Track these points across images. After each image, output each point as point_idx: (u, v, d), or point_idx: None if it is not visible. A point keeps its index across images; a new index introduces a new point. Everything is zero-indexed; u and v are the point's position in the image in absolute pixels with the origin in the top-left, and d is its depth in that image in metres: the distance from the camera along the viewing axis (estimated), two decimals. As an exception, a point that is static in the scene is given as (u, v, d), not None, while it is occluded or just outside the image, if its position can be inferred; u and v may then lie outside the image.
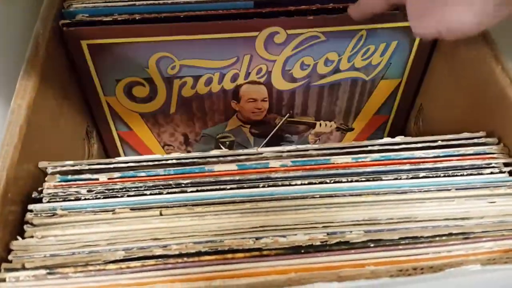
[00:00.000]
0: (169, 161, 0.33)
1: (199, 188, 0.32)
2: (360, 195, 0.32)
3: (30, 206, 0.31)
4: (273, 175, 0.33)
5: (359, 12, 0.38)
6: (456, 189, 0.33)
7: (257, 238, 0.29)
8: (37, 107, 0.35)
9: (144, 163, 0.33)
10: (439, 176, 0.33)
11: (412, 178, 0.33)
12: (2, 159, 0.31)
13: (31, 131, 0.34)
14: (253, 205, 0.31)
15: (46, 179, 0.32)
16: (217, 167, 0.33)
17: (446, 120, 0.45)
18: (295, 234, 0.29)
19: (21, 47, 0.38)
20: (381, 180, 0.33)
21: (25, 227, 0.30)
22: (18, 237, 0.29)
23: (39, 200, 0.31)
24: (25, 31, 0.41)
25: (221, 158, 0.34)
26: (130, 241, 0.29)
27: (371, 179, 0.33)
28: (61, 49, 0.41)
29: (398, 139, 0.34)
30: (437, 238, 0.29)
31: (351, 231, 0.29)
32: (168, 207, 0.31)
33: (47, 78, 0.37)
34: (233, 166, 0.34)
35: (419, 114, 0.50)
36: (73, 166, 0.32)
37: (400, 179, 0.33)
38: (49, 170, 0.32)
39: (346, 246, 0.28)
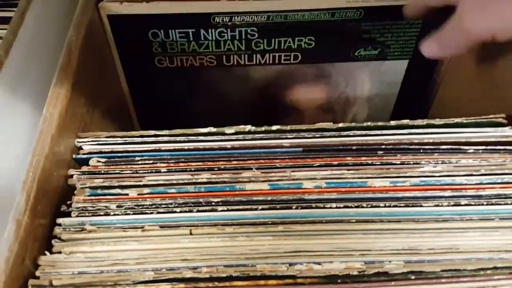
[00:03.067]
0: (200, 180, 0.32)
1: (230, 208, 0.31)
2: (399, 221, 0.30)
3: (59, 220, 0.30)
4: (306, 196, 0.32)
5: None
6: (500, 218, 0.31)
7: (290, 264, 0.28)
8: (69, 116, 0.35)
9: (174, 181, 0.32)
10: (482, 204, 0.32)
11: (453, 205, 0.31)
12: (33, 170, 0.30)
13: (62, 141, 0.33)
14: (286, 228, 0.30)
15: (75, 192, 0.32)
16: (249, 186, 0.32)
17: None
18: (331, 262, 0.28)
19: (54, 54, 0.38)
20: (421, 206, 0.31)
21: (53, 241, 0.29)
22: (46, 252, 0.28)
23: (68, 214, 0.31)
24: (58, 37, 0.41)
25: (252, 178, 0.32)
26: (159, 261, 0.28)
27: (410, 205, 0.31)
28: (93, 55, 0.41)
29: (439, 167, 0.32)
30: (481, 272, 0.28)
31: (390, 261, 0.28)
32: (198, 226, 0.30)
33: (79, 85, 0.37)
34: (265, 186, 0.32)
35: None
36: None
37: (441, 205, 0.31)
38: (78, 185, 0.32)
39: (386, 277, 0.27)
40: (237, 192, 0.32)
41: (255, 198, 0.32)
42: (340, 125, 0.34)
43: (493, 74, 0.44)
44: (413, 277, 0.27)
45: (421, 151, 0.34)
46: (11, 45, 0.39)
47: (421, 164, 0.33)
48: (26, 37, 0.40)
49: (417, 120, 0.35)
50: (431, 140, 0.34)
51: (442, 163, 0.33)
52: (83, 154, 0.34)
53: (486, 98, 0.44)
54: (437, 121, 0.35)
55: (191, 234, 0.30)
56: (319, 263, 0.28)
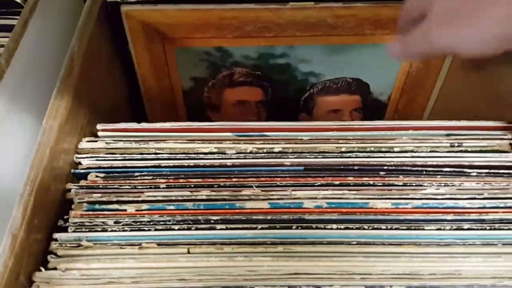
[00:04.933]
0: (199, 197, 0.32)
1: (229, 226, 0.31)
2: (400, 244, 0.30)
3: (55, 235, 0.30)
4: (307, 216, 0.31)
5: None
6: (503, 244, 0.30)
7: (289, 287, 0.27)
8: (68, 128, 0.34)
9: (173, 197, 0.32)
10: (485, 229, 0.31)
11: (456, 229, 0.31)
12: (30, 183, 0.30)
13: (61, 154, 0.33)
14: (285, 249, 0.30)
15: (73, 207, 0.31)
16: (249, 204, 0.32)
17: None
18: (331, 285, 0.27)
19: (56, 65, 0.38)
20: (423, 229, 0.31)
21: (48, 257, 0.29)
22: (42, 268, 0.28)
23: (65, 229, 0.30)
24: (60, 48, 0.41)
25: (252, 196, 0.32)
26: (156, 280, 0.28)
27: (413, 228, 0.31)
28: (94, 66, 0.41)
29: (442, 190, 0.32)
30: (484, 300, 0.27)
31: (391, 286, 0.27)
32: (196, 244, 0.30)
33: (80, 97, 0.37)
34: (265, 204, 0.32)
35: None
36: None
37: (443, 229, 0.31)
38: (76, 200, 0.31)
39: (386, 303, 0.27)
40: (237, 210, 0.32)
41: (254, 217, 0.31)
42: (343, 149, 0.34)
43: (492, 82, 0.44)
44: (414, 304, 0.27)
45: (424, 173, 0.34)
46: (13, 54, 0.39)
47: (424, 186, 0.33)
48: (28, 46, 0.40)
49: (422, 147, 0.35)
50: (434, 162, 0.34)
51: (445, 185, 0.33)
52: (82, 168, 0.33)
53: (484, 105, 0.44)
54: (441, 149, 0.34)
55: (189, 252, 0.29)
56: (318, 287, 0.27)
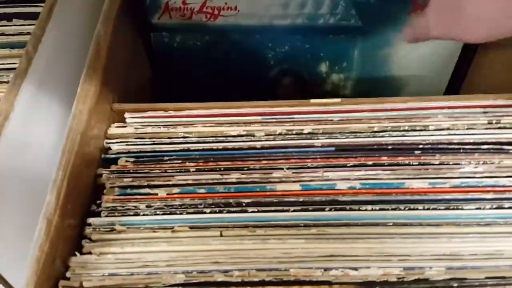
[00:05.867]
0: (229, 180, 0.31)
1: (261, 209, 0.30)
2: (439, 225, 0.29)
3: (89, 220, 0.30)
4: (340, 198, 0.31)
5: None
6: (546, 223, 0.29)
7: (325, 269, 0.27)
8: (97, 113, 0.34)
9: (204, 181, 0.31)
10: (527, 208, 0.30)
11: (496, 208, 0.30)
12: (63, 168, 0.30)
13: (91, 139, 0.33)
14: (319, 231, 0.29)
15: (104, 192, 0.31)
16: (280, 187, 0.31)
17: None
18: (368, 267, 0.27)
19: (82, 50, 0.38)
20: (462, 209, 0.30)
21: (83, 242, 0.29)
22: (77, 253, 0.28)
23: (98, 214, 0.30)
24: (86, 33, 0.41)
25: (283, 178, 0.31)
26: (190, 263, 0.28)
27: (451, 207, 0.30)
28: (121, 50, 0.40)
29: (481, 168, 0.31)
30: (529, 280, 0.26)
31: (430, 267, 0.26)
32: (228, 227, 0.30)
33: (108, 81, 0.36)
34: (296, 186, 0.31)
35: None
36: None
37: (483, 209, 0.30)
38: (108, 185, 0.31)
39: (426, 284, 0.26)
40: (268, 193, 0.31)
41: (286, 199, 0.31)
42: (375, 128, 0.33)
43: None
44: (455, 285, 0.26)
45: (461, 151, 0.32)
46: (40, 40, 0.39)
47: (461, 164, 0.32)
48: (54, 33, 0.40)
49: (458, 124, 0.33)
50: (471, 140, 0.33)
51: (483, 163, 0.32)
52: (112, 153, 0.33)
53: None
54: (479, 126, 0.33)
55: (221, 235, 0.29)
56: (355, 269, 0.26)
